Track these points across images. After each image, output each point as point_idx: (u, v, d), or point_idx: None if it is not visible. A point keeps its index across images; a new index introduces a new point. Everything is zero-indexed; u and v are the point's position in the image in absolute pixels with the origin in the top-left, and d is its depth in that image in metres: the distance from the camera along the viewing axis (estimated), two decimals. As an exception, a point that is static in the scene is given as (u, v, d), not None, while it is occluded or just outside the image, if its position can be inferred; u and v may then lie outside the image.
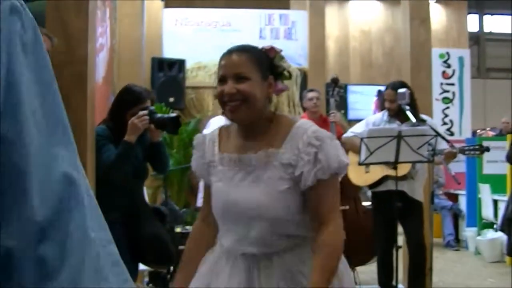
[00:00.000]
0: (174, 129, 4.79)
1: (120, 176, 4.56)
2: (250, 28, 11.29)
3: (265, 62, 2.70)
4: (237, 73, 2.61)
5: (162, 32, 10.84)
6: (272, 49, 2.74)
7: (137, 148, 4.60)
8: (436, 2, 14.21)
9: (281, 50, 2.78)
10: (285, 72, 2.79)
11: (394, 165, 6.07)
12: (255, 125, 2.68)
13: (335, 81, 8.01)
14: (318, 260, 2.51)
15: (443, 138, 6.14)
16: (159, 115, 4.73)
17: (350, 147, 6.79)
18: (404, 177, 6.24)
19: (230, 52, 2.71)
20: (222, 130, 2.84)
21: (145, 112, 4.55)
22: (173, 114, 4.88)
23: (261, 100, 2.66)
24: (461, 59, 13.75)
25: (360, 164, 6.16)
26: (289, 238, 2.61)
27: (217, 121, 6.37)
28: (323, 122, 8.11)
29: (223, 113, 2.69)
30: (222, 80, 2.65)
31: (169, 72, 8.95)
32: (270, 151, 2.61)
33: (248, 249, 2.59)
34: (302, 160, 2.56)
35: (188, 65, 9.98)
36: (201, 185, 6.31)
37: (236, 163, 2.68)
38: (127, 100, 4.67)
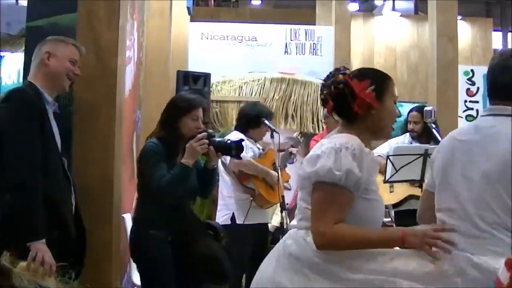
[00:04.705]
0: (238, 153, 4.78)
1: (173, 199, 4.54)
2: (275, 42, 11.28)
3: None
4: None
5: (188, 46, 10.87)
6: None
7: (192, 170, 4.59)
8: (461, 19, 14.15)
9: None
10: None
11: (419, 183, 6.06)
12: None
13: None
14: None
15: None
16: (218, 139, 4.73)
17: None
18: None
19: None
20: None
21: (205, 135, 4.54)
22: (238, 139, 4.89)
23: None
24: (485, 77, 13.63)
25: (385, 182, 6.15)
26: None
27: (234, 137, 6.31)
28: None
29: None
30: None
31: (195, 85, 8.94)
32: None
33: None
34: None
35: (213, 79, 9.97)
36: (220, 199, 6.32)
37: None
38: (180, 107, 4.65)
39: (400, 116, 3.10)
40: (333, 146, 2.76)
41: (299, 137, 7.15)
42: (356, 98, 2.85)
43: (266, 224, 6.48)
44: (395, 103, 3.01)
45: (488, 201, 2.72)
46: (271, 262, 2.89)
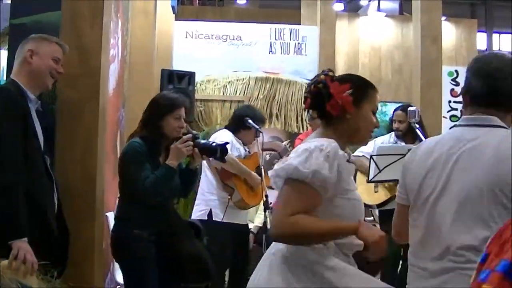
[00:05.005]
0: (223, 156, 4.79)
1: (158, 199, 4.53)
2: (260, 42, 11.27)
3: None
4: None
5: (173, 45, 10.85)
6: None
7: (177, 171, 4.59)
8: (446, 20, 14.20)
9: None
10: None
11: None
12: None
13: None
14: None
15: None
16: (203, 141, 4.74)
17: (359, 167, 6.80)
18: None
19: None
20: None
21: (190, 137, 4.54)
22: (223, 142, 4.91)
23: None
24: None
25: (368, 181, 6.16)
26: None
27: (222, 134, 6.30)
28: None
29: None
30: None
31: (179, 84, 8.92)
32: None
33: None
34: None
35: (198, 78, 9.94)
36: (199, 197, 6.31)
37: None
38: (162, 105, 4.62)
39: (378, 127, 3.11)
40: (307, 148, 2.81)
41: (287, 146, 7.17)
42: (330, 98, 2.90)
43: (245, 225, 6.49)
44: (374, 114, 3.04)
45: (468, 223, 2.59)
46: (263, 268, 2.90)
